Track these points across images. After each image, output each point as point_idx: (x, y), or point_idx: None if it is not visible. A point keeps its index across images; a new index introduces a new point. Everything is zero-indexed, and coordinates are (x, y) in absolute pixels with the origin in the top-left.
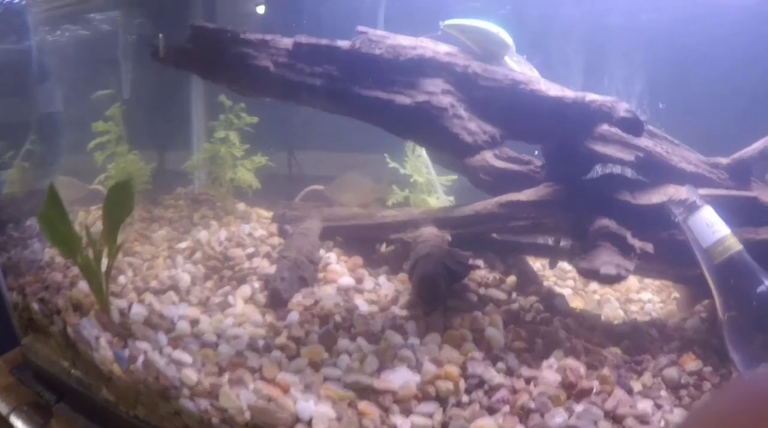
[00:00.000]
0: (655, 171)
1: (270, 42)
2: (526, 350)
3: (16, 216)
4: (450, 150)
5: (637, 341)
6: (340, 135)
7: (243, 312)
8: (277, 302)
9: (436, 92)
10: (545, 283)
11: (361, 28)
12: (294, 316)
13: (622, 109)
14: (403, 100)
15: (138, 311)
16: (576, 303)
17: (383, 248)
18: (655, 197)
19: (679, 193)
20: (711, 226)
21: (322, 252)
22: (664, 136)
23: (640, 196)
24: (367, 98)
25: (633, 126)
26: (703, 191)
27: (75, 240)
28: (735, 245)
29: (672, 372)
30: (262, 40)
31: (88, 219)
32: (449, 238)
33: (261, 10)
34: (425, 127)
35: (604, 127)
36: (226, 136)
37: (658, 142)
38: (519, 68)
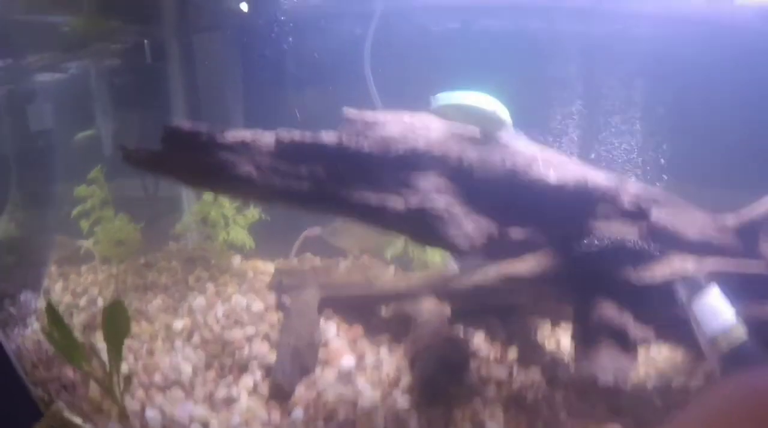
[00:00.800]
0: (661, 240)
1: (250, 143)
2: None
3: (11, 290)
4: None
5: (639, 414)
6: None
7: (248, 407)
8: (280, 395)
9: (430, 191)
10: (548, 348)
11: (348, 112)
12: (298, 413)
13: (626, 199)
14: (395, 205)
15: (152, 415)
16: None
17: (383, 312)
18: (659, 272)
19: (685, 266)
20: (716, 313)
21: (322, 322)
22: (670, 200)
23: (643, 271)
24: (360, 202)
25: (636, 216)
26: (709, 264)
27: (79, 349)
28: (741, 335)
29: None
30: (241, 142)
31: (80, 284)
32: (449, 313)
33: (245, 7)
34: (422, 231)
35: None
36: (216, 199)
37: (663, 210)
38: (516, 145)
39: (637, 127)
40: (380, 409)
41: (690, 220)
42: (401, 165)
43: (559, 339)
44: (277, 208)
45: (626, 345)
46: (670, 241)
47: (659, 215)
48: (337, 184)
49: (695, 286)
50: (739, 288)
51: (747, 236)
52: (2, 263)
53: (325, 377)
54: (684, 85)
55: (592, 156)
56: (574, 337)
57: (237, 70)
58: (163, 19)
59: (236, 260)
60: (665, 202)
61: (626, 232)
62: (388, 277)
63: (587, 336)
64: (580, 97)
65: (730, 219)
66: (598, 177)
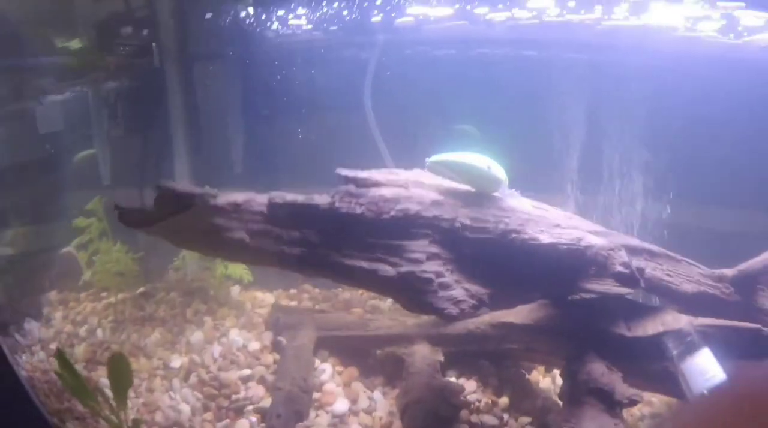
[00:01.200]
0: (656, 294)
1: (243, 206)
2: None
3: (16, 317)
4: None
5: None
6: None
7: None
8: None
9: (421, 260)
10: (541, 393)
11: (341, 172)
12: None
13: (618, 262)
14: (386, 270)
15: None
16: None
17: (378, 353)
18: (651, 327)
19: (677, 322)
20: (705, 374)
21: (317, 363)
22: (665, 254)
23: (635, 325)
24: (351, 268)
25: (628, 281)
26: (702, 320)
27: (87, 390)
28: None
29: None
30: (234, 205)
31: (80, 312)
32: (441, 359)
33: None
34: (411, 297)
35: None
36: None
37: (658, 264)
38: (510, 204)
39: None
40: None
41: (685, 273)
42: (394, 228)
43: (550, 385)
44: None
45: (612, 406)
46: (664, 294)
47: (653, 269)
48: (330, 248)
49: (686, 343)
50: (730, 345)
51: (744, 288)
52: (6, 287)
53: (319, 422)
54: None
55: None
56: (561, 396)
57: (237, 100)
58: (163, 47)
59: (235, 290)
60: (660, 255)
61: (622, 291)
62: (384, 318)
63: (573, 396)
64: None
65: (728, 272)
66: (591, 237)
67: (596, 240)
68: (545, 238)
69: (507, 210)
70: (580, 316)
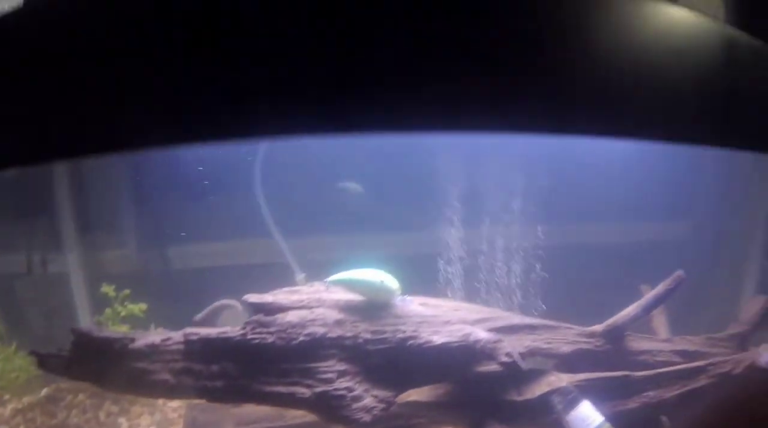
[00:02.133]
0: (540, 359)
1: (161, 347)
2: None
3: None
4: None
5: None
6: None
7: None
8: None
9: (333, 379)
10: None
11: (249, 298)
12: None
13: (503, 353)
14: (303, 392)
15: None
16: None
17: None
18: (538, 389)
19: (559, 381)
20: (586, 420)
21: None
22: (544, 325)
23: (524, 390)
24: (271, 393)
25: (512, 368)
26: (580, 376)
27: None
28: None
29: None
30: (152, 347)
31: None
32: None
33: None
34: (329, 412)
35: None
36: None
37: (539, 335)
38: (405, 311)
39: None
40: None
41: (562, 337)
42: (304, 352)
43: None
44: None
45: None
46: (547, 358)
47: (533, 340)
48: (248, 378)
49: (567, 397)
50: (606, 391)
51: (613, 337)
52: None
53: None
54: None
55: None
56: None
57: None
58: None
59: None
60: (539, 327)
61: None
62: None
63: None
64: None
65: (598, 328)
66: (479, 331)
67: (483, 335)
68: (438, 339)
69: (402, 316)
70: (475, 390)
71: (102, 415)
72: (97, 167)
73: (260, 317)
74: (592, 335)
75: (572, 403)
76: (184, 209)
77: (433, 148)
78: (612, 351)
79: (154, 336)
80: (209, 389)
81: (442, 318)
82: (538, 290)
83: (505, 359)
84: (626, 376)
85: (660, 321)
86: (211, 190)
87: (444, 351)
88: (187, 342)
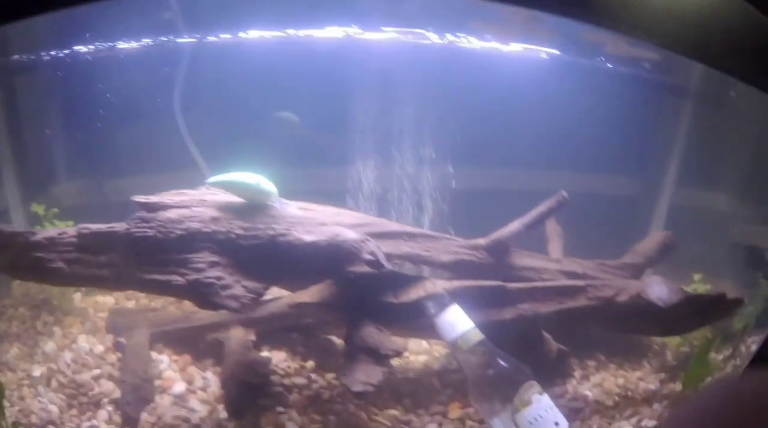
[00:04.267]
0: (420, 268)
1: (57, 239)
2: None
3: None
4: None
5: (417, 397)
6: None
7: None
8: (129, 422)
9: (204, 268)
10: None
11: (135, 199)
12: None
13: (366, 251)
14: (177, 280)
15: None
16: None
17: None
18: (414, 293)
19: (435, 287)
20: (454, 324)
21: (155, 355)
22: (423, 234)
23: (402, 293)
24: (150, 281)
25: (375, 266)
26: (456, 283)
27: None
28: (474, 337)
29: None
30: (50, 239)
31: None
32: (253, 338)
33: None
34: (200, 298)
35: None
36: None
37: (417, 243)
38: (282, 212)
39: None
40: (207, 422)
41: (443, 247)
42: (180, 245)
43: None
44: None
45: (379, 358)
46: (428, 266)
47: (411, 248)
48: (131, 267)
49: (439, 302)
50: (481, 299)
51: (497, 251)
52: None
53: (163, 403)
54: None
55: None
56: (343, 355)
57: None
58: None
59: (77, 298)
60: (419, 235)
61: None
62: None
63: (350, 355)
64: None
65: (482, 241)
66: (347, 232)
67: (350, 235)
68: (308, 237)
69: (277, 217)
70: (356, 291)
71: (39, 325)
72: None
73: (143, 213)
74: (475, 247)
75: (442, 307)
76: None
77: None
78: (495, 264)
79: (53, 230)
80: (97, 277)
81: (317, 220)
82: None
83: (367, 256)
84: (500, 286)
85: (555, 245)
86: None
87: (313, 249)
88: (80, 235)
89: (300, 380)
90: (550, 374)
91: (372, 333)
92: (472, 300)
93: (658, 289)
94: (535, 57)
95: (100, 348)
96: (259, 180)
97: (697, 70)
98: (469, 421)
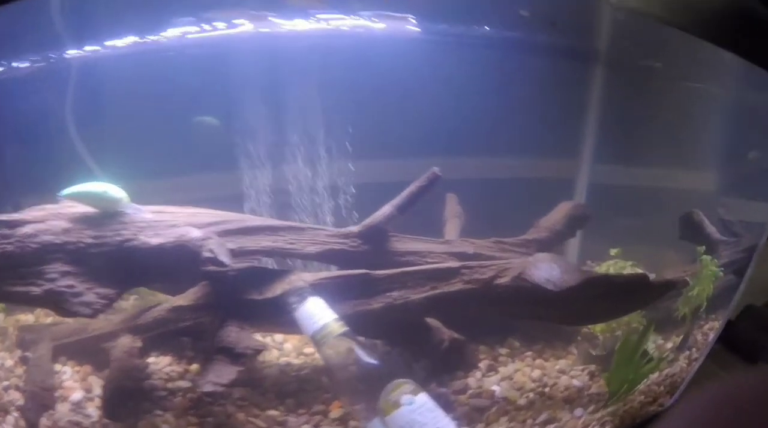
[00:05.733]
0: (285, 261)
1: None
2: None
3: None
4: None
5: (302, 395)
6: None
7: None
8: (31, 426)
9: (57, 278)
10: None
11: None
12: None
13: (206, 249)
14: (34, 291)
15: None
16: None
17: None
18: (279, 288)
19: (300, 280)
20: (312, 317)
21: (58, 367)
22: (287, 226)
23: (267, 288)
24: (13, 293)
25: (215, 263)
26: (322, 275)
27: None
28: (335, 330)
29: None
30: None
31: None
32: (139, 345)
33: None
34: (56, 307)
35: None
36: None
37: (280, 237)
38: (134, 218)
39: None
40: (97, 425)
41: (310, 238)
42: (35, 258)
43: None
44: None
45: (235, 357)
46: (290, 258)
47: (274, 241)
48: None
49: (300, 296)
50: (349, 290)
51: (373, 237)
52: None
53: (62, 409)
54: None
55: None
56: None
57: None
58: None
59: (0, 318)
60: (282, 228)
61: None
62: (99, 321)
63: (207, 356)
64: None
65: (355, 228)
66: (193, 231)
67: (194, 234)
68: (155, 240)
69: (127, 223)
70: (223, 290)
71: None
72: None
73: (5, 230)
74: (347, 236)
75: (302, 300)
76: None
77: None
78: (371, 252)
79: None
80: None
81: (169, 222)
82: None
83: (207, 255)
84: (366, 274)
85: (451, 225)
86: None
87: (159, 252)
88: None
89: (183, 383)
90: (449, 366)
91: (230, 332)
92: (338, 292)
93: (546, 269)
94: (407, 32)
95: (9, 363)
96: (106, 188)
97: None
98: (353, 421)
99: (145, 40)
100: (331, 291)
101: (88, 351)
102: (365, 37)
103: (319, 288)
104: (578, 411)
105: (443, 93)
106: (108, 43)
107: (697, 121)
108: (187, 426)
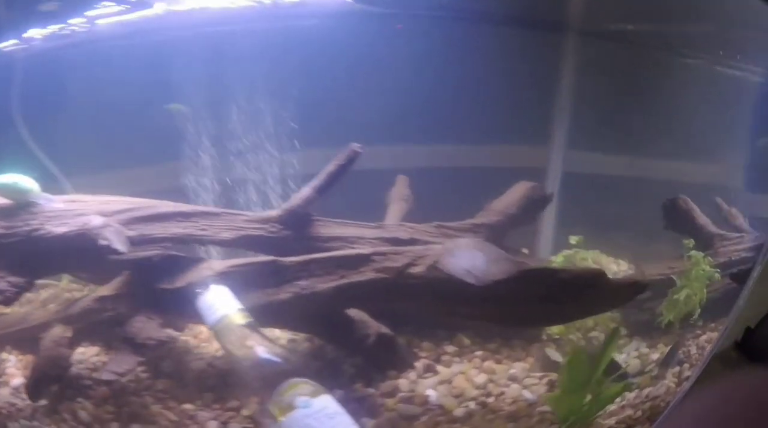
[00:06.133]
0: (199, 248)
1: None
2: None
3: None
4: None
5: (222, 390)
6: None
7: None
8: None
9: None
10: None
11: None
12: None
13: (101, 237)
14: None
15: None
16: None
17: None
18: (190, 277)
19: (210, 269)
20: (213, 307)
21: (4, 356)
22: (201, 212)
23: (178, 278)
24: None
25: (110, 252)
26: (231, 262)
27: None
28: (234, 321)
29: (214, 425)
30: None
31: None
32: (69, 335)
33: None
34: None
35: None
36: None
37: (192, 223)
38: (46, 208)
39: None
40: (29, 407)
41: (224, 224)
42: None
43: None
44: None
45: (136, 347)
46: (202, 244)
47: (185, 228)
48: None
49: (205, 285)
50: (258, 277)
51: (295, 222)
52: None
53: (3, 393)
54: None
55: None
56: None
57: None
58: None
59: None
60: (195, 214)
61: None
62: (39, 310)
63: (112, 345)
64: None
65: (274, 213)
66: (96, 219)
67: (95, 222)
68: (59, 230)
69: (38, 213)
70: (139, 279)
71: None
72: None
73: None
74: (266, 221)
75: (204, 289)
76: None
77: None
78: (292, 237)
79: None
80: None
81: (78, 212)
82: None
83: (103, 242)
84: (273, 262)
85: (394, 209)
86: None
87: (62, 241)
88: None
89: (107, 375)
90: (380, 365)
91: (136, 322)
92: (246, 280)
93: (466, 258)
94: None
95: None
96: (17, 179)
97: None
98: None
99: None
100: (239, 280)
101: (28, 341)
102: (297, 14)
103: (226, 277)
104: None
105: (392, 72)
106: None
107: (696, 102)
108: (105, 415)
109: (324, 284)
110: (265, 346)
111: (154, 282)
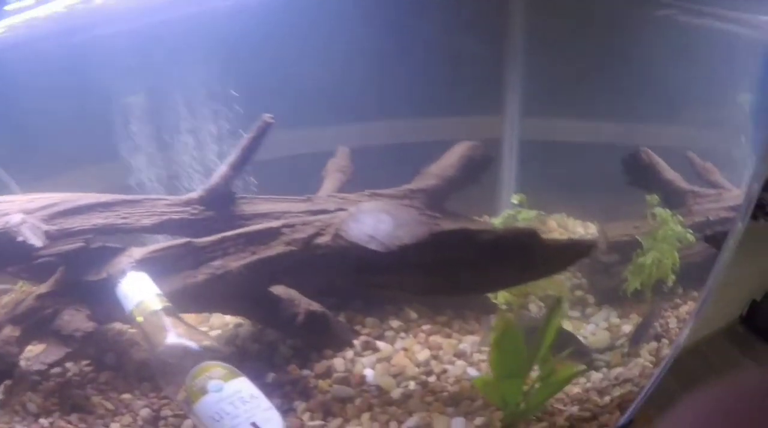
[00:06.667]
0: (124, 238)
1: None
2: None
3: None
4: None
5: (163, 377)
6: None
7: None
8: None
9: None
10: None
11: None
12: None
13: (18, 235)
14: None
15: None
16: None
17: None
18: (115, 266)
19: (132, 257)
20: (128, 294)
21: None
22: (121, 200)
23: (102, 268)
24: None
25: (27, 247)
26: (150, 248)
27: None
28: (150, 306)
29: (146, 412)
30: None
31: None
32: (17, 334)
33: None
34: None
35: None
36: None
37: (113, 212)
38: None
39: None
40: None
41: (145, 210)
42: None
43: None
44: None
45: (62, 339)
46: (132, 234)
47: (106, 218)
48: None
49: (123, 273)
50: (175, 261)
51: (217, 202)
52: None
53: None
54: None
55: None
56: None
57: None
58: None
59: None
60: (115, 203)
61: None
62: None
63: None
64: None
65: (195, 195)
66: (16, 217)
67: (14, 220)
68: None
69: None
70: (66, 272)
71: None
72: None
73: None
74: (188, 203)
75: (120, 278)
76: None
77: None
78: (216, 217)
79: None
80: None
81: (1, 211)
82: None
83: (20, 238)
84: (188, 243)
85: (329, 181)
86: None
87: None
88: None
89: (56, 369)
90: (314, 344)
91: (65, 315)
92: (164, 265)
93: (370, 223)
94: None
95: None
96: None
97: None
98: None
99: None
100: (157, 265)
101: None
102: None
103: (146, 263)
104: (458, 423)
105: (325, 41)
106: None
107: (670, 58)
108: (50, 407)
109: (236, 262)
110: (180, 331)
111: (79, 275)
